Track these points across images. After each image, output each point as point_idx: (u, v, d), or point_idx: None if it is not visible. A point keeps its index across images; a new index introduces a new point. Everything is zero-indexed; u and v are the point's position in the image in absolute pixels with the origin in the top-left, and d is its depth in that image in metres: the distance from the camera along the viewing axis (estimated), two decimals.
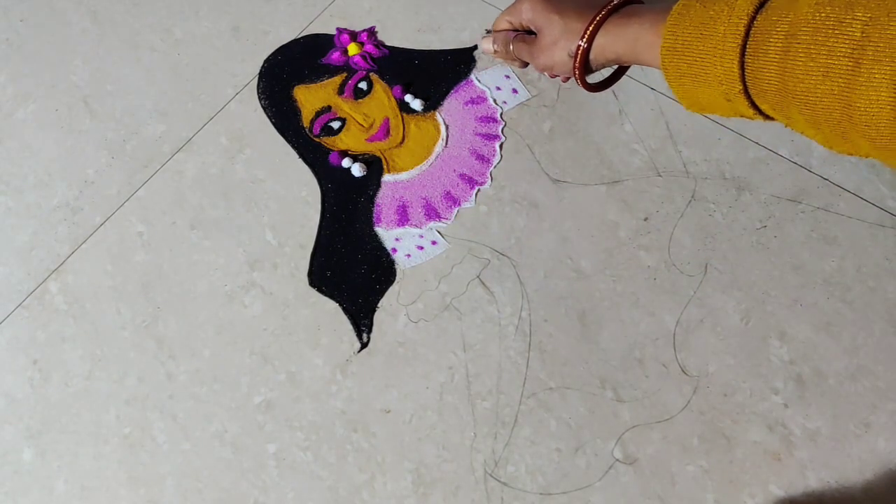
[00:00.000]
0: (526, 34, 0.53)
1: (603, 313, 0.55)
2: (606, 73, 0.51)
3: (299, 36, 0.71)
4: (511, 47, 0.54)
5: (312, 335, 0.56)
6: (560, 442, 0.51)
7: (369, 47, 0.68)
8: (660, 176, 0.60)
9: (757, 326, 0.53)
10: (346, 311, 0.57)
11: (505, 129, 0.63)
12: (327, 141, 0.64)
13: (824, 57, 0.31)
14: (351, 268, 0.58)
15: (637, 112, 0.63)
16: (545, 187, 0.60)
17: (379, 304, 0.57)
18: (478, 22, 0.69)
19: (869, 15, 0.30)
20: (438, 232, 0.59)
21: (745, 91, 0.37)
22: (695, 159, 0.60)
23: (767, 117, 0.38)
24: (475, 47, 0.68)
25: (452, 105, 0.65)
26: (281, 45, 0.70)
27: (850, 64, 0.31)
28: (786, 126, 0.37)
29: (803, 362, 0.52)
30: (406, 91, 0.66)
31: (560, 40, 0.49)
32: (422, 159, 0.63)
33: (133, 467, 0.53)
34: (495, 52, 0.55)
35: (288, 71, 0.69)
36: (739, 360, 0.52)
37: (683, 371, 0.52)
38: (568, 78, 0.53)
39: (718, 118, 0.62)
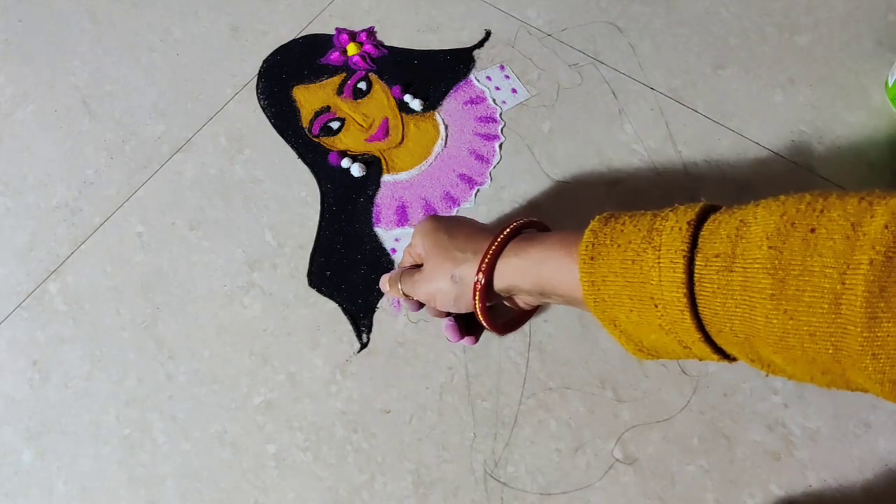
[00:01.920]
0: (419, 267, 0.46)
1: None
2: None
3: (298, 36, 0.71)
4: (399, 283, 0.47)
5: (312, 335, 0.56)
6: (560, 442, 0.51)
7: (368, 47, 0.68)
8: (659, 176, 0.60)
9: None
10: (345, 311, 0.57)
11: (504, 129, 0.63)
12: (326, 141, 0.64)
13: (805, 314, 0.27)
14: (350, 268, 0.58)
15: (637, 112, 0.63)
16: (545, 187, 0.60)
17: (378, 305, 0.57)
18: (477, 21, 0.69)
19: (843, 262, 0.25)
20: None
21: (706, 339, 0.32)
22: (695, 159, 0.60)
23: (734, 359, 0.33)
24: (474, 47, 0.68)
25: (452, 105, 0.65)
26: (280, 45, 0.70)
27: (836, 319, 0.26)
28: (757, 368, 0.32)
29: None
30: (405, 91, 0.66)
31: (445, 263, 0.43)
32: (421, 159, 0.63)
33: (133, 468, 0.53)
34: (388, 290, 0.50)
35: (287, 71, 0.68)
36: None
37: (683, 371, 0.52)
38: (447, 314, 0.48)
39: (718, 118, 0.62)
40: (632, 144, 0.61)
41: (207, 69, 0.70)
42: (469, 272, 0.42)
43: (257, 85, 0.68)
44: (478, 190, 0.61)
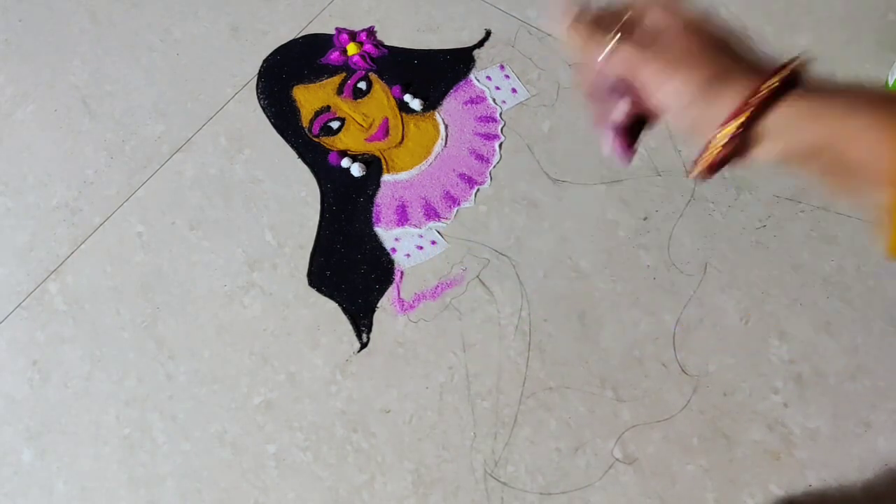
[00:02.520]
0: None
1: (603, 313, 0.55)
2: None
3: (298, 36, 0.70)
4: (608, 42, 0.32)
5: (312, 335, 0.56)
6: (560, 442, 0.51)
7: (368, 47, 0.68)
8: (659, 175, 0.60)
9: (756, 326, 0.53)
10: (345, 311, 0.57)
11: (504, 129, 0.63)
12: (326, 141, 0.64)
13: None
14: (350, 268, 0.58)
15: None
16: (545, 187, 0.60)
17: (378, 304, 0.57)
18: (477, 21, 0.69)
19: None
20: (438, 232, 0.59)
21: None
22: (694, 158, 0.60)
23: None
24: (474, 47, 0.68)
25: (451, 105, 0.65)
26: (280, 45, 0.70)
27: None
28: None
29: (803, 362, 0.52)
30: (405, 91, 0.66)
31: (709, 65, 0.32)
32: (421, 159, 0.63)
33: (133, 468, 0.53)
34: (570, 35, 0.33)
35: (287, 71, 0.68)
36: (739, 360, 0.52)
37: (683, 370, 0.52)
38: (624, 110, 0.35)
39: None
40: None
41: (207, 69, 0.70)
42: (734, 94, 0.31)
43: (257, 85, 0.68)
44: (478, 189, 0.61)
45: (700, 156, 0.34)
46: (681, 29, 0.33)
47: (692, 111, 0.33)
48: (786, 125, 0.31)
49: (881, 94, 0.30)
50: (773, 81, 0.31)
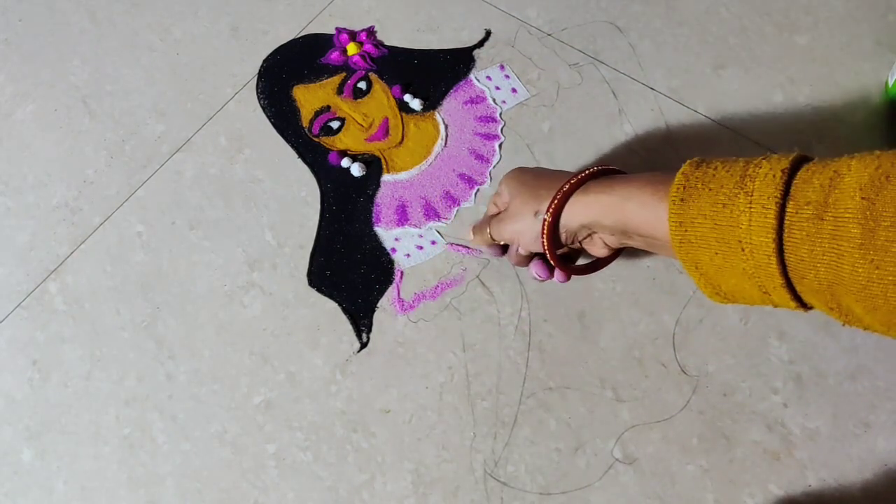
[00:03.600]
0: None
1: (602, 313, 0.55)
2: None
3: (298, 36, 0.71)
4: (487, 228, 0.50)
5: (312, 335, 0.56)
6: (560, 442, 0.51)
7: (368, 47, 0.68)
8: None
9: (756, 326, 0.53)
10: (345, 310, 0.57)
11: (504, 129, 0.63)
12: (326, 141, 0.64)
13: (891, 265, 0.27)
14: (350, 268, 0.58)
15: (636, 112, 0.63)
16: None
17: (378, 304, 0.57)
18: (477, 21, 0.69)
19: None
20: (438, 232, 0.59)
21: (788, 285, 0.32)
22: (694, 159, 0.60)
23: (810, 307, 0.33)
24: (474, 47, 0.68)
25: (452, 105, 0.65)
26: (280, 44, 0.70)
27: None
28: (834, 317, 0.32)
29: (803, 362, 0.52)
30: (405, 91, 0.66)
31: (531, 201, 0.45)
32: (421, 159, 0.63)
33: (133, 468, 0.53)
34: (473, 239, 0.53)
35: (287, 71, 0.68)
36: (739, 360, 0.52)
37: (683, 371, 0.52)
38: (529, 258, 0.49)
39: (718, 118, 0.62)
40: (631, 144, 0.61)
41: (207, 69, 0.70)
42: (549, 194, 0.43)
43: (257, 84, 0.68)
44: (478, 189, 0.61)
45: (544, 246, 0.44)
46: (511, 190, 0.48)
47: (535, 231, 0.44)
48: (594, 211, 0.41)
49: (652, 180, 0.39)
50: (567, 186, 0.42)
